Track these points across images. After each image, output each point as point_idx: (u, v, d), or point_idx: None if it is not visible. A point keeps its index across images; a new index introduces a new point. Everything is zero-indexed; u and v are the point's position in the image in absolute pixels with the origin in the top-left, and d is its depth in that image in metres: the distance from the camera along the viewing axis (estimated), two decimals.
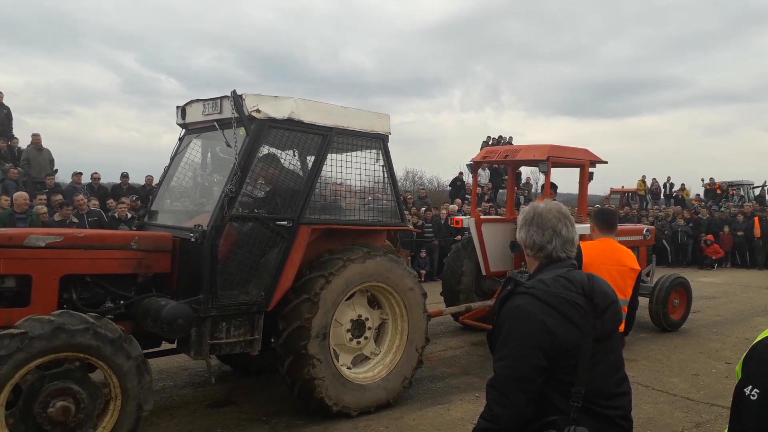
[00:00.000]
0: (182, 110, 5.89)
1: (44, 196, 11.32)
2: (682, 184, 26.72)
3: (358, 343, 5.80)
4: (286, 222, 5.29)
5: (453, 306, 8.64)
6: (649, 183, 26.79)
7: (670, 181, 26.83)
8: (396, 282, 5.82)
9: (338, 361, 5.63)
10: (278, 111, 5.25)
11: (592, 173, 8.69)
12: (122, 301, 4.93)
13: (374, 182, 6.11)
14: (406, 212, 14.45)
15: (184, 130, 6.08)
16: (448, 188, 22.06)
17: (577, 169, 8.64)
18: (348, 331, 5.71)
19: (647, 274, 9.63)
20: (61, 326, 3.97)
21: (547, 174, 8.24)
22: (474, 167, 9.12)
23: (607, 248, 4.33)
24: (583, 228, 8.46)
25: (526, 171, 28.51)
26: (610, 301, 2.16)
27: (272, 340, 5.47)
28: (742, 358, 1.67)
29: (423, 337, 6.08)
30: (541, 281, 2.13)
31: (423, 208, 15.66)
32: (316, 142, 5.54)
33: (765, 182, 25.98)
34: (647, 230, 9.69)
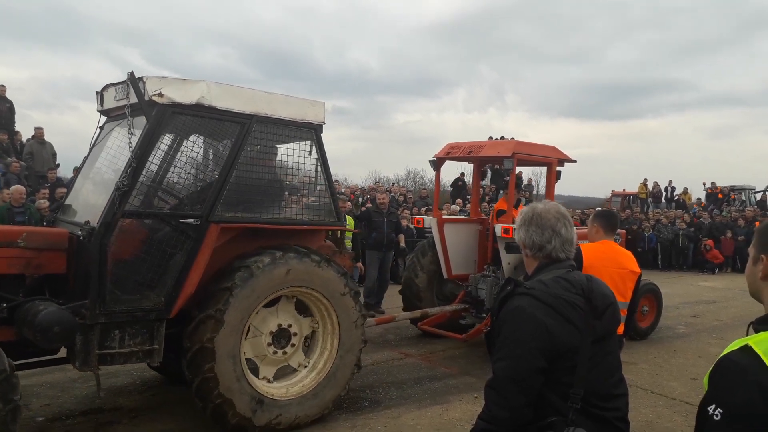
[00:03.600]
0: (100, 95, 5.35)
1: (47, 190, 11.07)
2: (684, 188, 26.39)
3: (285, 353, 5.25)
4: (192, 220, 4.74)
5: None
6: (650, 186, 26.42)
7: (672, 185, 26.44)
8: (322, 287, 5.25)
9: (259, 375, 5.10)
10: (185, 95, 4.69)
11: (559, 172, 8.19)
12: (5, 305, 4.37)
13: (307, 177, 5.56)
14: (406, 212, 14.78)
15: (105, 118, 5.54)
16: (449, 188, 21.57)
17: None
18: (270, 343, 5.17)
19: None
20: None
21: (512, 171, 7.67)
22: (437, 163, 8.54)
23: (608, 250, 4.29)
24: None
25: (527, 172, 28.06)
26: (609, 303, 2.17)
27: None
28: (708, 371, 1.55)
29: (358, 346, 5.54)
30: (540, 282, 2.13)
31: (424, 209, 15.51)
32: (233, 131, 4.98)
33: (767, 187, 25.39)
34: (617, 234, 9.08)
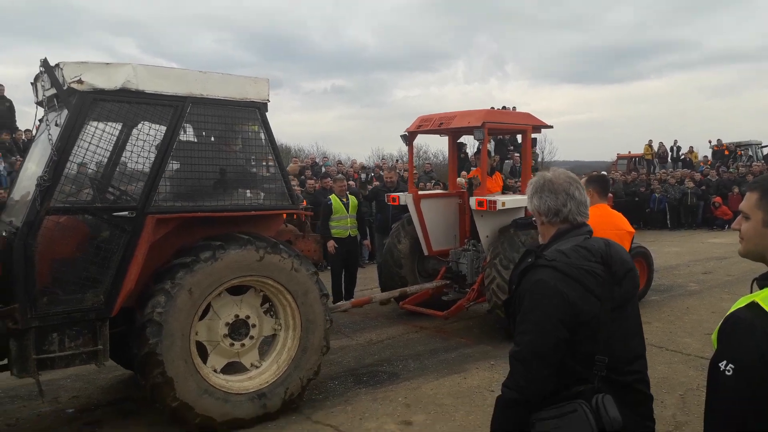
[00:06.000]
0: (34, 86, 5.06)
1: None
2: (690, 147, 25.82)
3: (242, 345, 5.01)
4: (126, 212, 4.48)
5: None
6: (656, 147, 26.05)
7: (677, 144, 26.01)
8: (274, 273, 4.97)
9: (207, 363, 4.87)
10: (109, 80, 4.41)
11: (535, 139, 7.88)
12: None
13: (252, 159, 5.29)
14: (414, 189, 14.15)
15: (44, 111, 5.28)
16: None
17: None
18: (227, 329, 4.93)
19: None
20: None
21: (483, 141, 7.34)
22: (409, 138, 8.21)
23: (605, 214, 4.35)
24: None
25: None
26: (628, 269, 2.17)
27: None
28: (717, 328, 1.61)
29: (315, 366, 5.25)
30: (560, 252, 2.13)
31: (431, 182, 15.15)
32: (166, 114, 4.69)
33: None
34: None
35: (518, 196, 7.71)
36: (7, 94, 14.64)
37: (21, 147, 13.76)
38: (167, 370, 4.46)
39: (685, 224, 19.14)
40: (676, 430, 4.66)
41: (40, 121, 5.23)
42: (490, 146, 19.67)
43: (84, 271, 4.39)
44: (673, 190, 19.38)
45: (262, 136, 5.18)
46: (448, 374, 6.03)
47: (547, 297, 2.05)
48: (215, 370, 4.92)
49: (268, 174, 5.30)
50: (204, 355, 4.91)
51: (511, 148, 20.25)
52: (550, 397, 2.07)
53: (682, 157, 25.36)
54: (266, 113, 5.16)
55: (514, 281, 2.23)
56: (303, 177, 14.73)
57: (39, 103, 5.11)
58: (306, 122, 71.19)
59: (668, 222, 19.39)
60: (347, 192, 9.08)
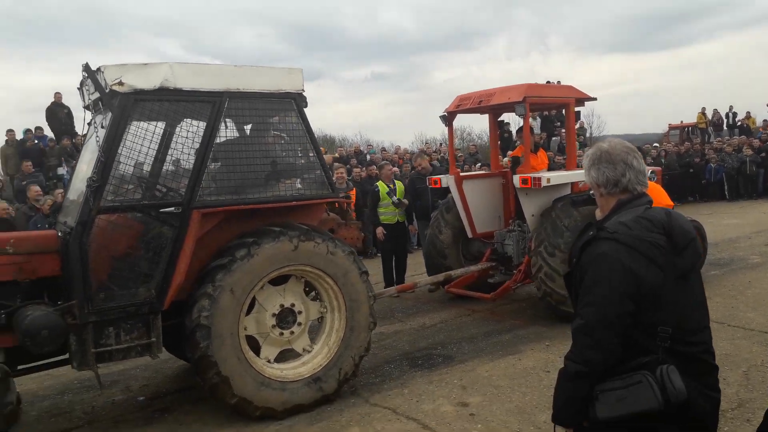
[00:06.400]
0: (81, 91, 5.24)
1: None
2: (747, 113, 24.56)
3: (291, 333, 5.11)
4: (173, 208, 4.61)
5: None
6: (710, 115, 24.94)
7: (733, 111, 24.74)
8: (332, 270, 5.06)
9: (260, 355, 5.00)
10: (147, 80, 4.52)
11: (578, 112, 7.65)
12: (3, 313, 4.36)
13: (291, 150, 5.33)
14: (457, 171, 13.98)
15: (91, 114, 5.44)
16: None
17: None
18: (274, 320, 5.03)
19: None
20: None
21: (525, 117, 7.17)
22: (448, 118, 8.10)
23: (652, 190, 4.16)
24: (581, 173, 7.47)
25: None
26: (690, 239, 2.16)
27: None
28: None
29: (365, 342, 5.32)
30: (622, 224, 2.12)
31: (477, 165, 14.96)
32: (205, 111, 4.77)
33: None
34: (652, 172, 8.46)
35: (564, 172, 7.54)
36: (65, 101, 15.21)
37: (81, 151, 14.38)
38: (222, 370, 4.60)
39: (744, 194, 18.32)
40: (740, 407, 4.52)
41: (89, 124, 5.41)
42: (536, 123, 19.29)
43: (136, 267, 4.55)
44: (731, 159, 18.59)
45: (300, 126, 5.21)
46: (502, 356, 6.05)
47: (611, 270, 2.06)
48: (269, 361, 5.04)
49: (307, 164, 5.33)
50: (256, 348, 5.03)
51: (558, 124, 19.82)
52: (613, 370, 2.08)
53: (739, 123, 24.19)
54: (302, 103, 5.19)
55: (574, 255, 2.23)
56: (349, 166, 14.83)
57: (86, 107, 5.29)
58: (349, 112, 71.45)
59: (726, 193, 18.61)
60: (394, 178, 9.08)
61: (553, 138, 19.27)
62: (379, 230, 8.57)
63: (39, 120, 14.18)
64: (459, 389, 5.30)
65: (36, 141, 14.40)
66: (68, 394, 5.77)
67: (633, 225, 2.12)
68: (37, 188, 9.85)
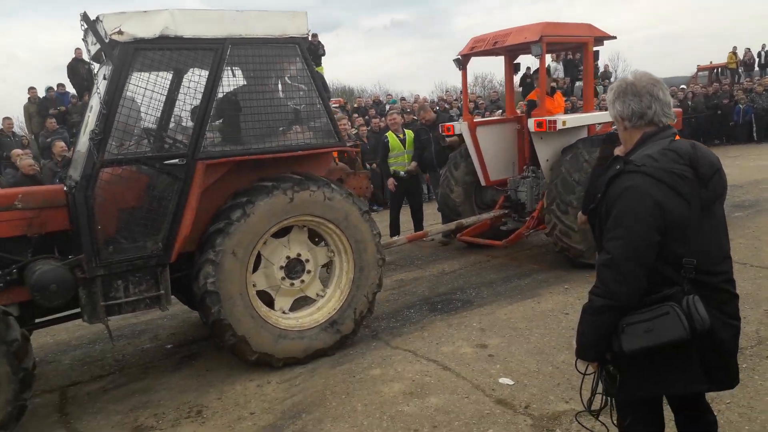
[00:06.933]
0: (85, 42, 5.08)
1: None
2: None
3: (302, 282, 5.12)
4: (177, 160, 4.55)
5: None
6: (741, 54, 23.88)
7: (766, 49, 23.57)
8: (325, 212, 4.99)
9: (275, 307, 5.04)
10: (148, 29, 4.38)
11: (597, 52, 7.33)
12: (15, 268, 4.40)
13: (297, 98, 5.20)
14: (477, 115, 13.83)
15: (97, 65, 5.33)
16: (519, 89, 20.40)
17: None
18: (283, 272, 5.03)
19: None
20: None
21: (541, 58, 6.90)
22: (462, 62, 7.83)
23: None
24: (599, 116, 7.25)
25: (604, 58, 25.71)
26: (715, 170, 2.16)
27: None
28: None
29: (376, 266, 5.28)
30: (649, 157, 2.13)
31: (499, 111, 14.51)
32: (207, 59, 4.64)
33: None
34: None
35: (580, 115, 7.30)
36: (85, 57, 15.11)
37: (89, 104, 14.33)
38: (237, 331, 4.65)
39: None
40: (759, 345, 4.56)
41: (95, 76, 5.34)
42: (559, 68, 18.71)
43: (142, 220, 4.55)
44: (761, 99, 17.98)
45: (305, 72, 5.06)
46: (521, 299, 6.10)
47: (639, 202, 2.06)
48: (284, 312, 5.09)
49: (312, 112, 5.21)
50: (270, 301, 5.07)
51: (582, 68, 19.16)
52: (637, 303, 2.11)
53: None
54: (306, 48, 5.04)
55: (600, 189, 2.22)
56: (367, 117, 14.62)
57: (92, 59, 5.20)
58: (368, 62, 69.69)
59: (754, 134, 18.07)
60: (403, 127, 8.90)
61: (578, 83, 18.65)
62: (390, 181, 8.49)
63: (62, 77, 14.02)
64: (478, 332, 5.37)
65: (57, 96, 14.36)
66: (99, 343, 5.95)
67: (659, 157, 2.12)
68: (62, 144, 9.87)
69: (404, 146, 8.61)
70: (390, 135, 8.66)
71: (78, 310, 4.59)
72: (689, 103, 17.89)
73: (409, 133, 8.79)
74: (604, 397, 2.36)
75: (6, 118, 12.63)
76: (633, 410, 2.35)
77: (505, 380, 4.38)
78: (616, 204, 2.11)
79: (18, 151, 10.26)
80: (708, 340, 2.10)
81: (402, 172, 8.57)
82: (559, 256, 7.20)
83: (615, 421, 2.40)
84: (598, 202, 2.25)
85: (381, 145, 8.80)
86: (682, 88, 19.45)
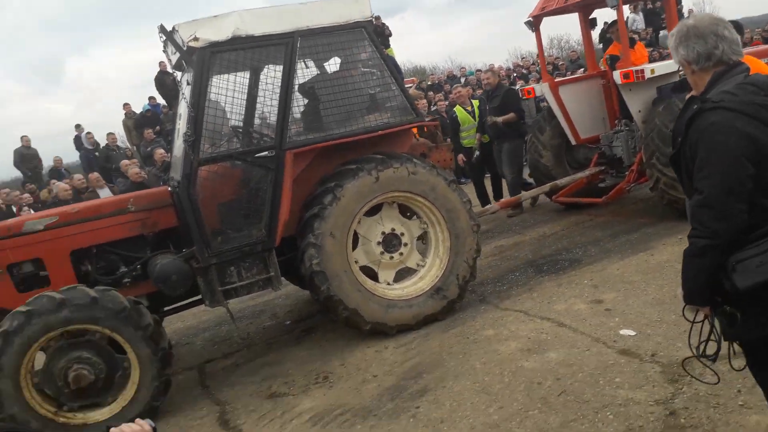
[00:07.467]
0: (166, 54, 5.44)
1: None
2: None
3: (401, 255, 5.24)
4: (266, 152, 4.81)
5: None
6: None
7: None
8: (413, 186, 5.07)
9: (379, 280, 5.21)
10: (220, 32, 4.66)
11: None
12: (138, 264, 4.86)
13: (370, 81, 5.29)
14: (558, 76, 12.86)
15: (180, 73, 5.68)
16: (599, 46, 19.46)
17: None
18: (381, 247, 5.18)
19: None
20: (64, 302, 4.04)
21: (618, 8, 6.58)
22: (534, 23, 7.65)
23: (751, 65, 3.77)
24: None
25: (687, 2, 23.70)
26: None
27: None
28: None
29: (471, 231, 5.29)
30: (726, 92, 2.07)
31: (581, 70, 13.68)
32: (279, 53, 4.88)
33: None
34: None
35: (668, 62, 6.88)
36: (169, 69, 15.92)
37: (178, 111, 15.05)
38: (348, 305, 4.84)
39: None
40: None
41: (180, 83, 5.66)
42: (639, 18, 17.72)
43: (244, 210, 4.85)
44: None
45: (375, 54, 5.18)
46: (633, 253, 5.88)
47: (725, 135, 1.99)
48: (389, 283, 5.25)
49: (387, 91, 5.31)
50: (374, 276, 5.24)
51: (664, 16, 18.00)
52: (743, 240, 2.04)
53: None
54: (372, 31, 5.16)
55: (680, 133, 2.16)
56: (443, 93, 14.48)
57: (174, 68, 5.56)
58: (438, 41, 68.28)
59: None
60: (470, 99, 8.74)
61: (662, 32, 17.54)
62: (460, 157, 8.34)
63: (151, 91, 14.91)
64: (590, 288, 5.23)
65: (150, 109, 15.19)
66: (224, 325, 6.35)
67: (737, 91, 2.06)
68: (162, 151, 10.66)
69: (474, 118, 8.47)
70: (458, 109, 8.59)
71: (199, 296, 4.97)
72: None
73: (476, 104, 8.63)
74: (717, 342, 2.26)
75: (110, 133, 13.67)
76: (753, 351, 2.27)
77: (627, 331, 4.22)
78: (700, 143, 2.05)
79: (126, 161, 11.13)
80: None
81: (476, 150, 8.42)
82: (667, 209, 6.84)
83: (733, 366, 2.28)
84: (679, 147, 2.18)
85: (450, 121, 8.70)
86: (735, 21, 17.71)
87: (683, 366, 2.72)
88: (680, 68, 2.32)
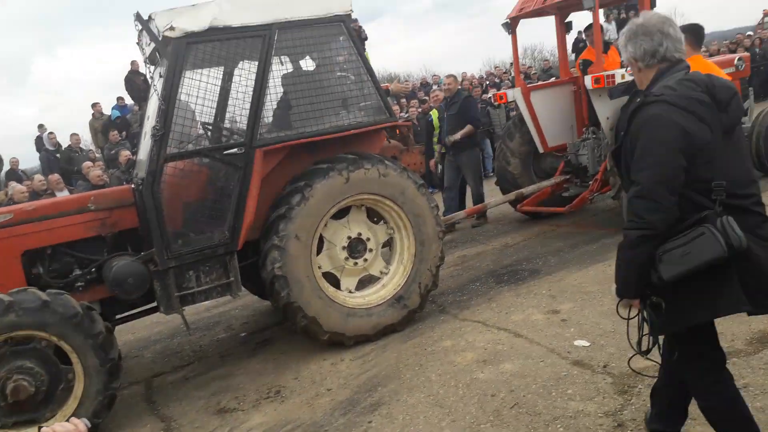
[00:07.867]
0: (140, 45, 5.26)
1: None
2: None
3: (365, 261, 5.15)
4: (235, 149, 4.63)
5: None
6: None
7: None
8: (382, 189, 4.99)
9: (340, 287, 5.11)
10: (197, 22, 4.45)
11: (653, 1, 6.94)
12: (93, 267, 4.64)
13: (346, 78, 5.20)
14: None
15: (153, 67, 5.41)
16: (572, 56, 19.65)
17: None
18: (345, 252, 5.08)
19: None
20: (12, 305, 3.79)
21: (594, 11, 6.62)
22: (511, 25, 7.62)
23: (699, 65, 4.03)
24: None
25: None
26: (732, 94, 2.21)
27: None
28: None
29: (436, 238, 5.25)
30: (667, 87, 2.19)
31: (552, 79, 14.10)
32: (255, 47, 4.70)
33: None
34: (739, 59, 7.63)
35: None
36: (143, 69, 15.60)
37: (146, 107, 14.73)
38: (307, 312, 4.72)
39: None
40: None
41: (152, 78, 5.49)
42: (611, 27, 17.97)
43: (208, 211, 4.66)
44: None
45: (352, 50, 5.05)
46: (591, 264, 5.96)
47: (663, 128, 2.11)
48: (350, 291, 5.14)
49: (362, 90, 5.19)
50: (336, 282, 5.13)
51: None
52: (670, 232, 2.15)
53: None
54: (350, 26, 5.02)
55: (622, 127, 2.28)
56: (416, 99, 14.51)
57: (146, 61, 5.31)
58: (414, 48, 69.04)
59: None
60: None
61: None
62: (432, 162, 8.33)
63: (120, 92, 14.57)
64: (548, 299, 5.29)
65: (120, 116, 14.81)
66: (177, 337, 6.19)
67: (677, 86, 2.18)
68: (127, 152, 10.45)
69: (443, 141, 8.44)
70: (434, 113, 8.56)
71: (155, 303, 4.77)
72: (756, 50, 16.82)
73: (435, 114, 8.66)
74: (651, 337, 2.37)
75: (73, 134, 13.19)
76: (682, 342, 2.38)
77: (581, 342, 4.29)
78: (640, 135, 2.15)
79: (88, 163, 10.84)
80: (745, 263, 2.10)
81: (438, 163, 8.43)
82: (623, 220, 6.91)
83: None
84: (621, 140, 2.27)
85: (426, 124, 8.69)
86: (749, 35, 18.33)
87: (629, 364, 2.79)
88: (628, 67, 2.40)
